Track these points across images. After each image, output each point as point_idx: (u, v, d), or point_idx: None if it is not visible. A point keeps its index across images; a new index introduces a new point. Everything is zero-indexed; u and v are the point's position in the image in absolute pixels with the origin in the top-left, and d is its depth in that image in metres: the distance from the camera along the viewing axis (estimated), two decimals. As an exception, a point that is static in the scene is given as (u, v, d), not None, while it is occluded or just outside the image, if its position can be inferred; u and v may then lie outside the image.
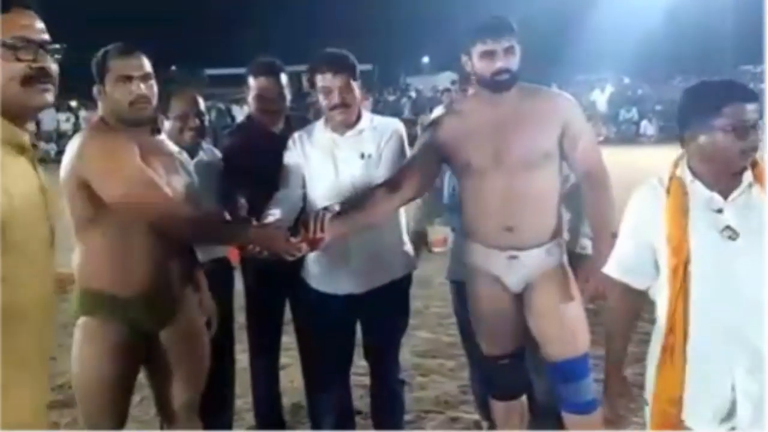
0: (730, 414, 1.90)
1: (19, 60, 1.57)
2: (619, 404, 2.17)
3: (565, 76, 22.89)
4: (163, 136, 2.94)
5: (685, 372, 1.91)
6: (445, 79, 19.03)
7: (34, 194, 1.58)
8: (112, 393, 2.33)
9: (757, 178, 1.90)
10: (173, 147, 2.61)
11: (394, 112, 18.73)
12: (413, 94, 22.71)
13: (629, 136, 18.63)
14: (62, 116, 20.39)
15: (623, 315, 2.12)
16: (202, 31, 29.51)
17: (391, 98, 22.39)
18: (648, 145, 17.39)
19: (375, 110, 20.87)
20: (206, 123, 3.13)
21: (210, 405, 3.06)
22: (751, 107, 1.85)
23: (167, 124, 2.97)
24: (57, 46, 1.66)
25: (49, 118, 18.85)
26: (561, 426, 2.88)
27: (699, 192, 1.92)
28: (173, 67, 29.85)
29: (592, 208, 2.61)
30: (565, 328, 2.55)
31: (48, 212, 1.62)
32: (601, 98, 20.97)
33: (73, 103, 21.41)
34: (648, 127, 18.76)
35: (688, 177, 1.94)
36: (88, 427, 2.36)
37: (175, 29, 29.49)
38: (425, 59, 32.34)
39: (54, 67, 1.65)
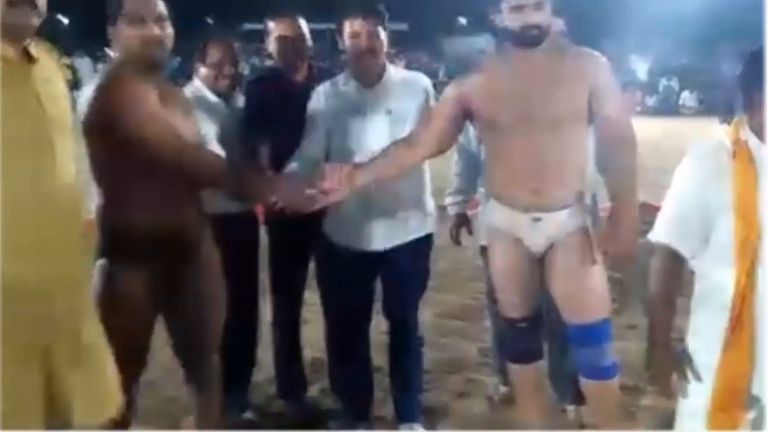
0: None
1: None
2: (670, 378, 2.04)
3: (606, 41, 22.47)
4: (197, 83, 2.97)
5: (753, 347, 1.83)
6: (481, 41, 18.75)
7: (27, 103, 1.77)
8: (131, 334, 2.36)
9: None
10: (186, 94, 2.61)
11: (428, 74, 18.51)
12: (448, 56, 22.42)
13: (669, 107, 18.23)
14: (101, 66, 20.55)
15: (669, 283, 2.01)
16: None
17: (425, 60, 22.11)
18: (688, 116, 17.00)
19: (410, 70, 20.85)
20: (241, 71, 3.13)
21: (232, 357, 3.12)
22: None
23: (203, 71, 2.99)
24: None
25: (87, 69, 18.97)
26: (576, 393, 2.88)
27: (766, 159, 1.82)
28: (208, 20, 29.81)
29: (615, 174, 2.53)
30: (586, 292, 2.51)
31: (49, 121, 1.80)
32: (641, 66, 20.50)
33: (111, 53, 21.58)
34: (689, 98, 18.32)
35: (753, 141, 1.84)
36: None
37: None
38: (461, 20, 31.80)
39: None
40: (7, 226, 1.73)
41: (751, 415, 1.91)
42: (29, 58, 1.82)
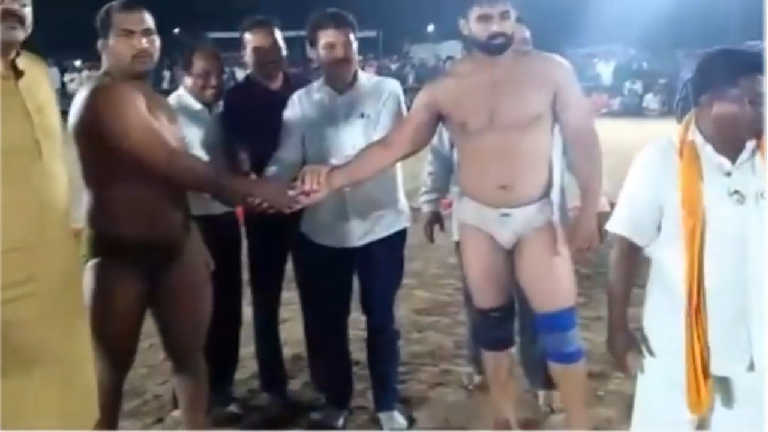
0: (752, 362, 1.99)
1: None
2: (626, 356, 2.21)
3: (571, 48, 22.86)
4: (181, 91, 3.09)
5: (707, 323, 1.99)
6: (450, 47, 18.99)
7: (13, 112, 1.90)
8: (121, 330, 2.47)
9: (759, 145, 1.97)
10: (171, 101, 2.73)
11: (398, 80, 18.69)
12: (416, 62, 22.64)
13: (633, 109, 18.66)
14: (68, 77, 20.43)
15: (625, 270, 2.18)
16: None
17: (395, 66, 22.33)
18: (651, 118, 17.40)
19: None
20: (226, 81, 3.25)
21: (216, 353, 3.24)
22: (762, 79, 1.90)
23: (188, 81, 3.09)
24: None
25: (53, 79, 18.87)
26: (547, 378, 3.05)
27: (710, 156, 1.98)
28: (176, 30, 29.71)
29: (580, 170, 2.71)
30: (552, 282, 2.67)
31: (35, 127, 1.94)
32: (605, 70, 20.94)
33: (78, 63, 21.46)
34: (652, 101, 18.76)
35: (699, 140, 2.00)
36: (99, 365, 2.50)
37: (179, -8, 29.31)
38: (430, 27, 32.12)
39: (23, 10, 1.94)
40: (2, 230, 1.85)
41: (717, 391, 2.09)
42: (16, 71, 1.95)
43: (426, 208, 3.42)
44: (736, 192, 1.96)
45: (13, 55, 1.96)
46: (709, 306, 2.00)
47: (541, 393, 3.27)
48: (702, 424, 2.17)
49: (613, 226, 2.19)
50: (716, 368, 2.04)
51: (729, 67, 1.95)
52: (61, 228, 2.06)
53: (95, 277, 2.46)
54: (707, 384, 2.01)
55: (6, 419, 1.86)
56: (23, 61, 1.99)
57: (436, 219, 3.43)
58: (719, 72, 1.96)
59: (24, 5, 1.96)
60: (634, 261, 2.19)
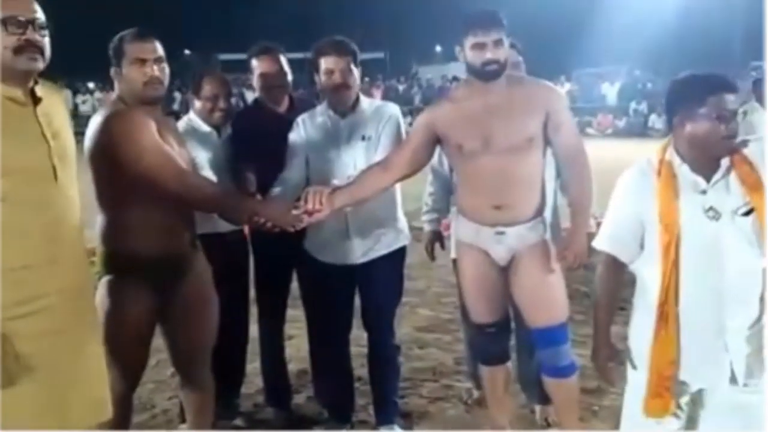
0: (733, 374, 2.09)
1: (10, 33, 1.99)
2: (608, 367, 2.35)
3: (577, 69, 23.03)
4: (191, 115, 3.22)
5: (679, 337, 2.10)
6: (456, 68, 19.16)
7: (32, 137, 2.03)
8: (132, 343, 2.58)
9: (734, 164, 2.08)
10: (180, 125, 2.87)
11: (405, 101, 18.90)
12: (424, 83, 22.85)
13: (638, 129, 18.73)
14: (80, 98, 20.75)
15: (610, 285, 2.30)
16: (214, 16, 29.80)
17: (402, 87, 22.54)
18: (656, 138, 17.49)
19: (386, 98, 20.99)
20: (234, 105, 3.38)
21: (223, 368, 3.34)
22: (731, 97, 2.03)
23: (197, 104, 3.22)
24: (45, 22, 2.07)
25: (67, 101, 19.15)
26: (543, 393, 3.13)
27: (686, 175, 2.10)
28: (186, 51, 30.13)
29: (571, 189, 2.83)
30: (546, 298, 2.78)
31: (51, 152, 2.08)
32: (611, 91, 21.05)
33: (91, 85, 21.81)
34: (656, 121, 18.85)
35: (676, 160, 2.12)
36: (110, 377, 2.60)
37: (187, 14, 29.80)
38: (438, 48, 32.43)
39: (42, 40, 2.07)
40: (14, 248, 1.98)
41: (683, 399, 2.19)
42: (35, 98, 2.09)
43: (427, 228, 3.54)
44: (711, 209, 2.06)
45: (31, 83, 2.10)
46: (685, 319, 2.10)
47: (538, 408, 3.35)
48: None
49: (597, 243, 2.30)
50: (693, 380, 2.14)
51: (697, 88, 2.07)
52: (74, 247, 2.19)
53: (108, 293, 2.58)
54: (664, 393, 2.11)
55: (6, 422, 1.97)
56: (41, 89, 2.13)
57: (437, 238, 3.54)
58: (689, 94, 2.08)
59: (44, 36, 2.10)
60: (619, 277, 2.30)
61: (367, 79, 24.34)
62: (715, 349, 2.11)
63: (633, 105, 20.08)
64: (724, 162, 2.08)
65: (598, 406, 3.43)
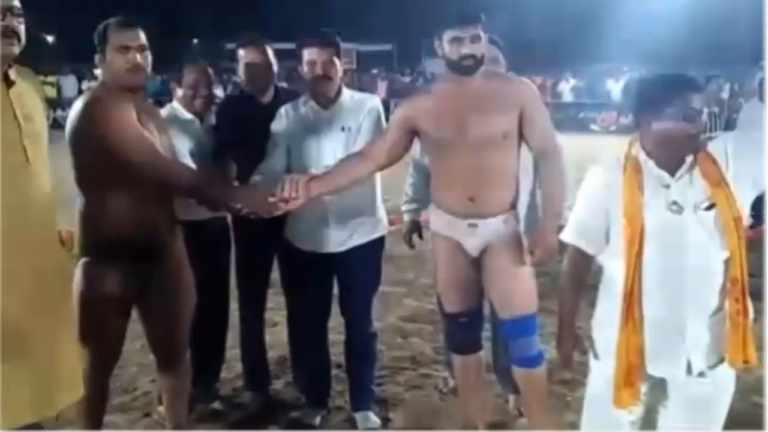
0: (689, 365, 2.14)
1: None
2: (571, 354, 2.41)
3: (582, 65, 22.98)
4: (175, 103, 3.27)
5: (643, 327, 2.15)
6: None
7: (4, 118, 2.07)
8: (107, 325, 2.65)
9: (697, 159, 2.12)
10: (163, 113, 2.92)
11: (411, 93, 18.82)
12: (429, 76, 22.82)
13: (641, 126, 18.71)
14: (85, 84, 20.80)
15: (575, 276, 2.36)
16: (227, 5, 29.82)
17: (407, 79, 22.52)
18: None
19: (391, 91, 20.92)
20: (215, 93, 3.43)
21: (203, 353, 3.42)
22: (696, 96, 2.08)
23: (179, 92, 3.28)
24: (21, 9, 2.13)
25: (71, 86, 19.24)
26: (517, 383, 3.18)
27: (651, 170, 2.15)
28: (195, 41, 30.21)
29: (543, 185, 2.86)
30: (515, 290, 2.83)
31: (22, 134, 2.12)
32: (615, 87, 20.99)
33: (97, 71, 21.89)
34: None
35: (642, 156, 2.17)
36: (84, 361, 2.66)
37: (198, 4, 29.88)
38: (445, 41, 32.27)
39: (20, 27, 2.13)
40: None
41: (643, 388, 2.24)
42: (8, 82, 2.14)
43: (406, 217, 3.59)
44: (675, 203, 2.11)
45: (5, 67, 2.15)
46: (647, 310, 2.15)
47: (512, 397, 3.40)
48: (646, 424, 2.32)
49: (564, 235, 2.36)
50: (653, 369, 2.19)
51: (664, 88, 2.12)
52: (45, 228, 2.24)
53: (84, 275, 2.64)
54: (635, 383, 2.15)
55: None
56: (14, 73, 2.18)
57: (416, 228, 3.59)
58: (656, 93, 2.12)
59: (20, 23, 2.16)
60: (584, 269, 2.35)
61: (374, 71, 24.42)
62: (674, 340, 2.16)
63: (637, 102, 20.02)
64: (689, 158, 2.13)
65: (571, 397, 3.48)
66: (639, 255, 2.13)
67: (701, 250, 2.11)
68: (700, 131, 2.11)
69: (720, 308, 2.14)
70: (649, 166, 2.16)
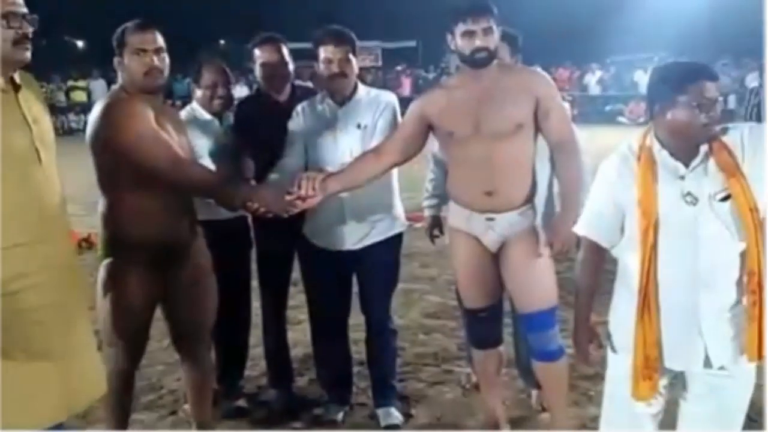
0: (708, 358, 2.12)
1: (10, 27, 2.10)
2: (588, 348, 2.40)
3: (609, 56, 22.70)
4: (194, 104, 3.31)
5: (660, 320, 2.13)
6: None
7: (13, 122, 2.13)
8: (132, 323, 2.69)
9: (713, 150, 2.09)
10: (182, 113, 2.97)
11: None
12: (453, 71, 22.74)
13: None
14: (115, 87, 21.09)
15: (590, 269, 2.34)
16: (254, 5, 30.05)
17: (431, 75, 22.46)
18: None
19: (415, 87, 20.82)
20: (233, 93, 3.47)
21: (227, 351, 3.46)
22: (711, 85, 2.05)
23: (198, 93, 3.32)
24: (35, 17, 2.19)
25: (100, 90, 19.51)
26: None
27: (665, 160, 2.12)
28: (222, 41, 30.44)
29: (561, 175, 2.84)
30: (535, 283, 2.81)
31: (33, 136, 2.17)
32: (643, 78, 20.71)
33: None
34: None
35: (656, 146, 2.15)
36: (110, 360, 2.71)
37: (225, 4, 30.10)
38: (470, 37, 32.12)
39: (32, 34, 2.19)
40: (3, 228, 2.07)
41: (662, 381, 2.22)
42: (15, 86, 2.19)
43: (427, 213, 3.59)
44: (689, 194, 2.08)
45: (11, 71, 2.20)
46: (663, 302, 2.13)
47: (534, 392, 3.39)
48: (667, 417, 2.30)
49: (578, 227, 2.34)
50: (670, 362, 2.17)
51: (678, 76, 2.09)
52: (58, 225, 2.27)
53: (108, 275, 2.69)
54: (653, 376, 2.14)
55: (7, 400, 2.08)
56: (18, 77, 2.23)
57: (436, 223, 3.59)
58: (669, 82, 2.09)
59: (34, 29, 2.20)
60: (598, 261, 2.33)
61: (398, 67, 24.37)
62: (691, 333, 2.13)
63: (666, 93, 19.77)
64: (703, 148, 2.09)
65: (594, 391, 3.45)
66: (654, 247, 2.11)
67: (717, 241, 2.08)
68: (715, 121, 2.08)
69: (738, 301, 2.11)
70: (663, 156, 2.13)
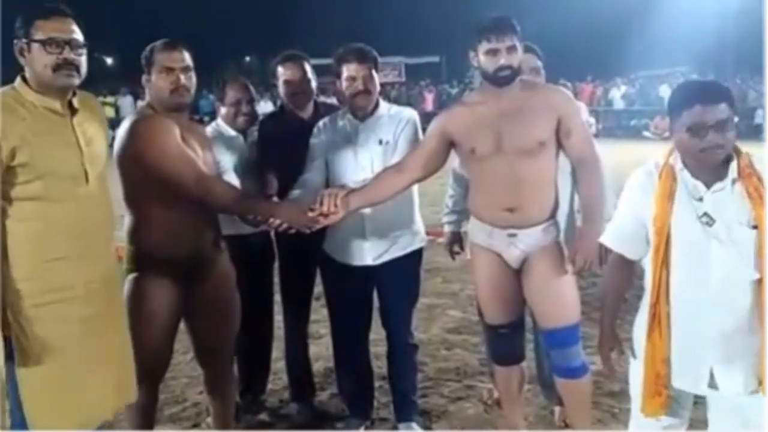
0: (712, 379, 2.12)
1: (49, 53, 2.21)
2: (611, 357, 2.42)
3: (634, 71, 22.60)
4: (219, 121, 3.37)
5: (670, 336, 2.14)
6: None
7: (65, 144, 2.26)
8: (157, 337, 2.72)
9: (742, 175, 2.07)
10: (207, 130, 3.08)
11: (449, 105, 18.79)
12: (475, 86, 22.77)
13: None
14: (140, 104, 21.45)
15: (616, 281, 2.37)
16: (277, 22, 30.38)
17: (454, 91, 22.52)
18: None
19: (438, 102, 20.85)
20: (257, 110, 3.52)
21: (249, 365, 3.49)
22: (708, 109, 2.00)
23: (223, 110, 3.38)
24: (82, 42, 2.29)
25: (128, 106, 19.81)
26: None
27: (686, 180, 2.12)
28: (247, 58, 30.83)
29: (583, 192, 2.84)
30: (558, 300, 2.81)
31: (84, 158, 2.31)
32: (669, 93, 20.60)
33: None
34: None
35: (678, 165, 2.15)
36: (137, 369, 2.75)
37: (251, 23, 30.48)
38: (493, 52, 32.21)
39: (78, 59, 2.28)
40: (48, 242, 2.22)
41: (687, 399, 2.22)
42: (72, 110, 2.30)
43: (447, 228, 3.60)
44: (706, 214, 2.08)
45: (69, 95, 2.31)
46: (674, 320, 2.14)
47: (557, 409, 3.37)
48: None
49: (604, 237, 2.38)
50: (676, 381, 2.17)
51: (677, 100, 2.10)
52: (102, 243, 2.40)
53: (133, 290, 2.73)
54: (662, 392, 2.15)
55: (42, 406, 2.18)
56: (78, 100, 2.35)
57: (456, 239, 3.60)
58: (671, 106, 2.12)
59: (80, 55, 2.30)
60: (625, 272, 2.36)
61: (422, 82, 24.46)
62: (698, 354, 2.13)
63: (692, 108, 19.61)
64: (732, 172, 2.08)
65: (619, 409, 3.43)
66: (665, 264, 2.12)
67: (729, 266, 2.07)
68: (716, 145, 2.03)
69: (751, 329, 2.08)
70: (684, 175, 2.14)
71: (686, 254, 2.10)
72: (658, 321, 2.13)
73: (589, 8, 21.16)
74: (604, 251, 2.55)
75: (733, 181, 2.08)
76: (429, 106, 20.77)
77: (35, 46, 2.26)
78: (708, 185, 2.10)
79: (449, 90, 22.81)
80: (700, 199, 2.10)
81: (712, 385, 2.12)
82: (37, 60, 2.24)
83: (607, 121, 20.14)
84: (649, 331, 2.15)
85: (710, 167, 2.09)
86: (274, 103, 15.79)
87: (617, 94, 21.33)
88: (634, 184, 2.26)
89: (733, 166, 2.08)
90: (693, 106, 2.03)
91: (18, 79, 2.29)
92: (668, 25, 20.86)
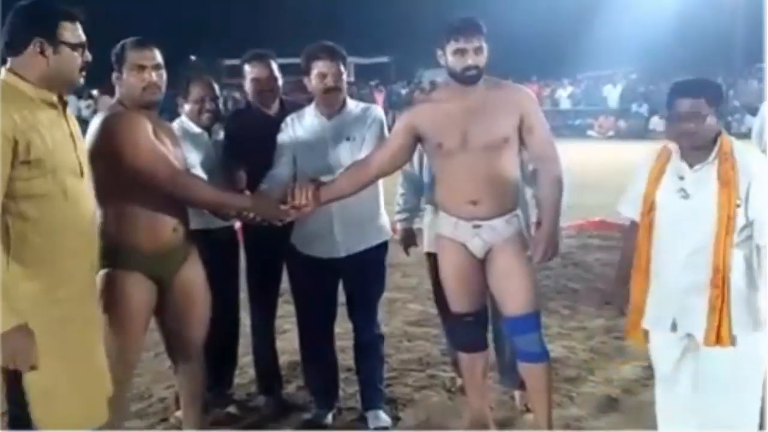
0: (674, 324, 2.49)
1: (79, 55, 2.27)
2: (623, 307, 2.71)
3: (579, 72, 23.10)
4: (183, 118, 3.39)
5: (647, 288, 2.54)
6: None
7: (64, 136, 2.25)
8: (130, 332, 2.74)
9: (720, 158, 2.40)
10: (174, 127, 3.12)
11: (407, 104, 18.95)
12: (426, 86, 22.94)
13: (639, 131, 18.79)
14: (83, 104, 20.98)
15: (631, 245, 2.63)
16: (226, 21, 30.08)
17: (404, 91, 22.66)
18: (657, 140, 17.53)
19: (389, 102, 20.97)
20: (221, 106, 3.55)
21: (216, 359, 3.51)
22: (683, 101, 2.39)
23: (186, 107, 3.40)
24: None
25: (71, 106, 19.38)
26: (521, 379, 3.29)
27: (675, 160, 2.49)
28: (192, 57, 30.39)
29: (541, 188, 2.99)
30: (521, 287, 2.93)
31: (77, 152, 2.29)
32: (613, 93, 21.13)
33: (95, 92, 22.07)
34: (657, 123, 18.93)
35: (674, 147, 2.50)
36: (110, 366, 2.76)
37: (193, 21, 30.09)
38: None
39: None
40: (50, 239, 2.19)
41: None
42: (63, 103, 2.31)
43: (399, 226, 3.72)
44: (683, 190, 2.45)
45: (66, 92, 2.33)
46: (651, 273, 2.52)
47: (517, 393, 3.50)
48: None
49: (618, 206, 2.73)
50: (645, 321, 2.56)
51: (670, 93, 2.47)
52: (90, 238, 2.39)
53: (106, 286, 2.74)
54: (638, 325, 2.58)
55: (50, 405, 2.20)
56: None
57: (409, 235, 3.74)
58: (668, 96, 2.47)
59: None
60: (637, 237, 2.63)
61: (372, 83, 24.54)
62: (664, 301, 2.50)
63: (634, 107, 20.18)
64: (713, 154, 2.40)
65: (576, 393, 3.59)
66: (649, 228, 2.50)
67: (698, 233, 2.40)
68: (688, 132, 2.39)
69: (715, 282, 2.40)
70: (675, 156, 2.48)
71: (665, 222, 2.47)
72: (639, 272, 2.54)
73: (536, 9, 21.57)
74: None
75: (713, 160, 2.41)
76: (379, 105, 20.87)
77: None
78: (691, 166, 2.43)
79: (399, 90, 22.92)
80: (682, 177, 2.44)
81: (674, 327, 2.48)
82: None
83: (554, 121, 20.47)
84: (635, 275, 2.55)
85: (693, 150, 2.42)
86: (225, 105, 15.66)
87: (564, 94, 21.80)
88: (643, 162, 2.61)
89: (715, 150, 2.41)
90: (673, 98, 2.42)
91: (4, 72, 2.23)
92: (612, 25, 21.39)
